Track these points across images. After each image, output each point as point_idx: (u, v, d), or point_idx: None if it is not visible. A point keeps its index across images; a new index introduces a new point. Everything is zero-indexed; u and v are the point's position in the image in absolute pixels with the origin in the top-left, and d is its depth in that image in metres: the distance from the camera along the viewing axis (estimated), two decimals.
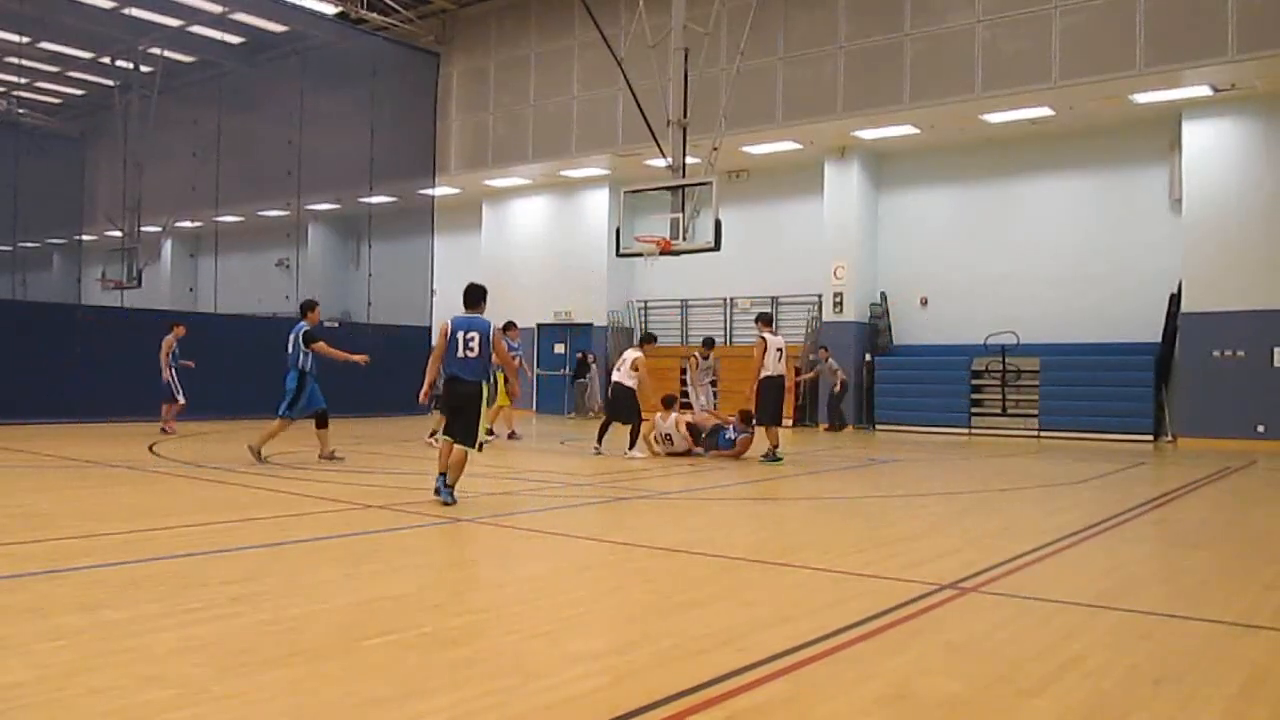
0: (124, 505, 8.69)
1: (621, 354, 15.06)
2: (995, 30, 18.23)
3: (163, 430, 16.72)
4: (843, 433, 20.85)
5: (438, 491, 8.74)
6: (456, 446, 8.81)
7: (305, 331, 12.09)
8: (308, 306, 12.59)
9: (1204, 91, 17.47)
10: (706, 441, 14.07)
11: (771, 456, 13.37)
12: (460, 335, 8.87)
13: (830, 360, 21.27)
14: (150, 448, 13.99)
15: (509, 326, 16.06)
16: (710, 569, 6.09)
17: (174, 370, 16.83)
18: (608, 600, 5.37)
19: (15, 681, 3.61)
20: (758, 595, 5.42)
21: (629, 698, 3.52)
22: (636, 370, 14.08)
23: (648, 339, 15.21)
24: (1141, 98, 17.81)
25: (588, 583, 5.83)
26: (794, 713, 3.47)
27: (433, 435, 13.91)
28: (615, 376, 14.35)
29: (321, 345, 12.16)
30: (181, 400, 16.88)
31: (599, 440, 14.45)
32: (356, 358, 12.62)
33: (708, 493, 10.39)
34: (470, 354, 8.86)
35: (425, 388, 10.11)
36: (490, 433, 15.25)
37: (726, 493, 10.45)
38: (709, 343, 17.74)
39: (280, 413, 12.16)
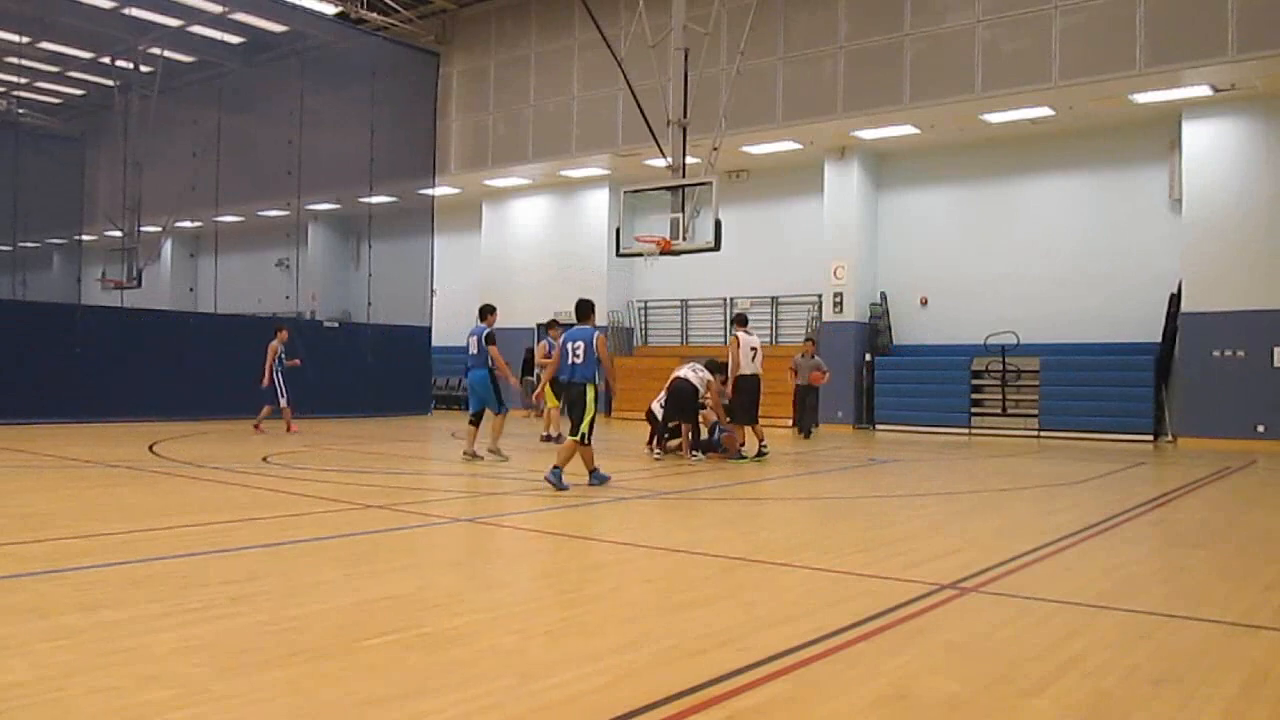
0: (124, 505, 8.69)
1: (689, 362, 14.43)
2: (995, 30, 18.23)
3: (288, 429, 17.42)
4: (809, 439, 18.60)
5: (553, 482, 9.87)
6: (567, 437, 10.35)
7: (487, 333, 13.15)
8: (487, 310, 13.62)
9: (1204, 91, 17.47)
10: (704, 443, 14.07)
11: (758, 453, 13.68)
12: (569, 345, 10.34)
13: (815, 356, 19.10)
14: (150, 448, 14.00)
15: (551, 325, 15.92)
16: (710, 569, 6.09)
17: (279, 373, 17.45)
18: (607, 600, 5.37)
19: (15, 681, 3.61)
20: (758, 595, 5.42)
21: (629, 698, 3.52)
22: (709, 389, 13.84)
23: (719, 368, 14.47)
24: (1141, 98, 17.81)
25: (587, 583, 5.83)
26: (794, 713, 3.46)
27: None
28: (681, 372, 13.87)
29: (496, 350, 13.19)
30: (284, 403, 17.51)
31: (652, 444, 14.31)
32: (513, 380, 13.75)
33: (707, 493, 10.39)
34: (577, 359, 10.27)
35: (539, 388, 12.29)
36: (551, 437, 15.28)
37: (726, 493, 10.45)
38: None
39: (496, 411, 13.17)
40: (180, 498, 9.20)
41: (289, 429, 17.51)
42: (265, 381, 17.31)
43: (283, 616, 4.64)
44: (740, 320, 14.57)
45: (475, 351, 13.11)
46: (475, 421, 13.25)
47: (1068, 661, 4.11)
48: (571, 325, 10.66)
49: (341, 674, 3.80)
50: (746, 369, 13.75)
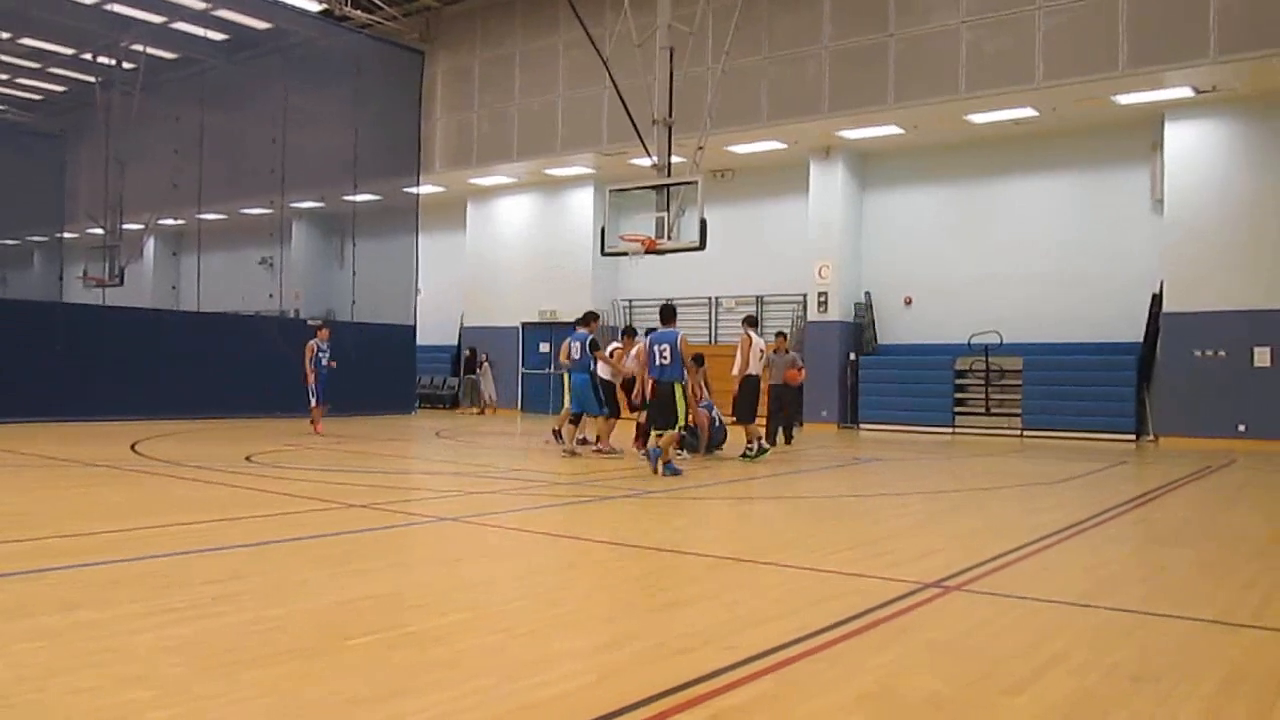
0: (106, 505, 8.64)
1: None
2: (979, 31, 18.30)
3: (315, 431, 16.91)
4: (790, 444, 16.54)
5: (659, 471, 11.05)
6: (666, 432, 11.30)
7: (591, 340, 13.91)
8: (591, 317, 14.56)
9: (1185, 93, 17.58)
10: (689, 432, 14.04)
11: (752, 452, 13.61)
12: (655, 347, 11.35)
13: (789, 352, 16.90)
14: (132, 447, 13.92)
15: (588, 320, 15.83)
16: (694, 568, 6.09)
17: (317, 373, 17.10)
18: (592, 599, 5.37)
19: None
20: (741, 594, 5.42)
21: (612, 697, 3.52)
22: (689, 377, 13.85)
23: (701, 360, 14.24)
24: (1124, 99, 17.91)
25: (572, 582, 5.83)
26: (777, 711, 3.47)
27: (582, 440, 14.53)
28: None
29: (603, 354, 14.04)
30: (313, 403, 17.19)
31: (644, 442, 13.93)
32: (626, 370, 14.31)
33: (692, 492, 10.39)
34: (665, 361, 11.29)
35: (637, 391, 12.51)
36: (587, 441, 15.18)
37: (711, 492, 10.46)
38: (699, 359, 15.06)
39: (600, 413, 13.93)
40: (162, 497, 9.15)
41: (315, 428, 17.20)
42: (308, 380, 17.05)
43: (265, 616, 4.62)
44: (751, 322, 14.83)
45: (578, 356, 13.82)
46: (575, 421, 13.97)
47: (1049, 659, 4.13)
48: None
49: (324, 673, 3.79)
50: (753, 369, 13.91)
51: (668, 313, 11.87)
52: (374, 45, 25.25)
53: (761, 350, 14.18)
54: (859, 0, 19.77)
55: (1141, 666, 4.08)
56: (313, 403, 17.14)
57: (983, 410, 20.57)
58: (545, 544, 7.11)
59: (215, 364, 20.71)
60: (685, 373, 11.41)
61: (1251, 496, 10.96)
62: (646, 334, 13.32)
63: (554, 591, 5.53)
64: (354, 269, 24.67)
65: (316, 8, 24.40)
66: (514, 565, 6.42)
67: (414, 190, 25.89)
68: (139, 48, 24.37)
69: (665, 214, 14.96)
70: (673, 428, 11.32)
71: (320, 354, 17.18)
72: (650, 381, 11.73)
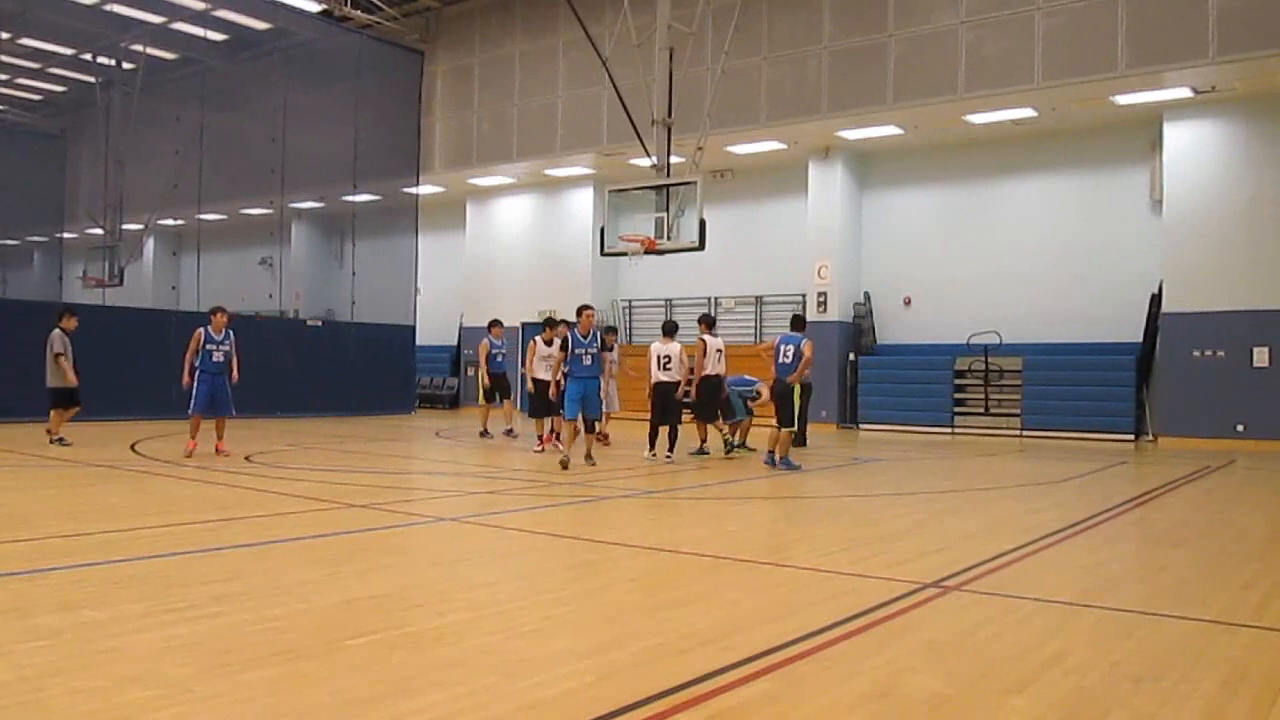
0: (106, 505, 8.64)
1: (650, 347, 13.88)
2: (978, 31, 18.30)
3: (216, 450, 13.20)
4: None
5: (773, 464, 12.19)
6: (783, 430, 12.23)
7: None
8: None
9: (1184, 93, 17.58)
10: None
11: (729, 447, 13.97)
12: (781, 347, 12.25)
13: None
14: (132, 447, 13.91)
15: (493, 325, 16.10)
16: (694, 568, 6.10)
17: (196, 373, 13.21)
18: (592, 599, 5.37)
19: None
20: (741, 594, 5.43)
21: (612, 697, 3.52)
22: (682, 364, 13.61)
23: (672, 327, 14.21)
24: (1123, 99, 17.91)
25: (572, 582, 5.83)
26: (777, 711, 3.47)
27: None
28: (660, 376, 13.49)
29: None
30: (190, 410, 13.39)
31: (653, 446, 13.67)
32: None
33: (692, 492, 10.40)
34: (786, 360, 12.20)
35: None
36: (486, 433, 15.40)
37: (710, 492, 10.46)
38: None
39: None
40: (163, 497, 9.15)
41: (191, 444, 13.14)
42: (184, 379, 13.10)
43: (265, 616, 4.63)
44: (707, 322, 14.17)
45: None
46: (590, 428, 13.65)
47: (1049, 659, 4.14)
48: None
49: (325, 674, 3.79)
50: (710, 370, 13.60)
51: (798, 320, 13.01)
52: (374, 45, 25.24)
53: (719, 350, 13.58)
54: (858, 1, 19.76)
55: (1141, 666, 4.08)
56: (190, 410, 13.13)
57: (982, 410, 20.56)
58: (545, 544, 7.11)
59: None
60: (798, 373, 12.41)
61: (1251, 497, 10.96)
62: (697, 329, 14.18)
63: (554, 591, 5.54)
64: (354, 269, 24.67)
65: (316, 8, 24.38)
66: (514, 565, 6.43)
67: (414, 190, 25.88)
68: (139, 48, 24.39)
69: (665, 214, 14.97)
70: (790, 425, 12.21)
71: (210, 347, 13.09)
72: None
